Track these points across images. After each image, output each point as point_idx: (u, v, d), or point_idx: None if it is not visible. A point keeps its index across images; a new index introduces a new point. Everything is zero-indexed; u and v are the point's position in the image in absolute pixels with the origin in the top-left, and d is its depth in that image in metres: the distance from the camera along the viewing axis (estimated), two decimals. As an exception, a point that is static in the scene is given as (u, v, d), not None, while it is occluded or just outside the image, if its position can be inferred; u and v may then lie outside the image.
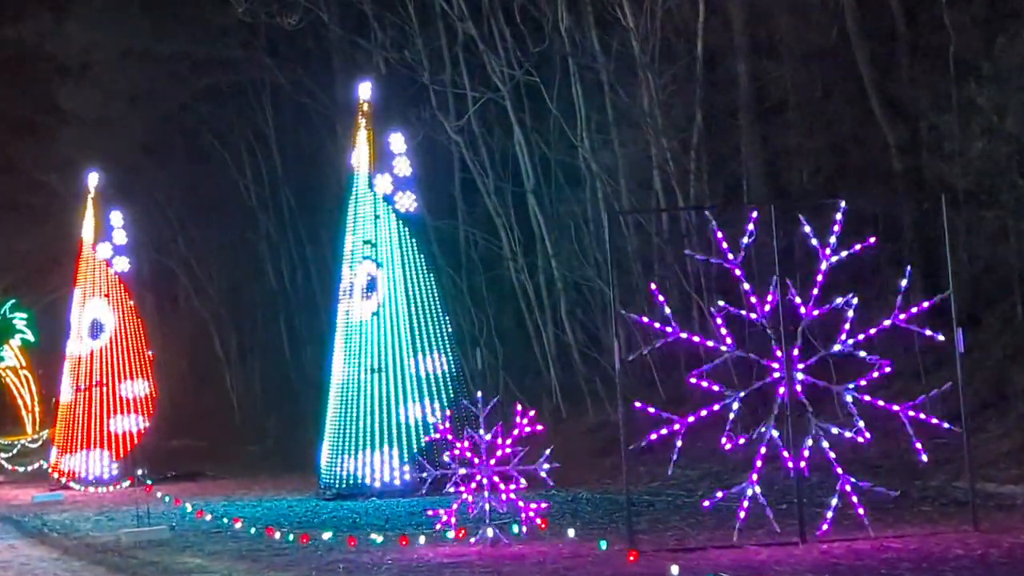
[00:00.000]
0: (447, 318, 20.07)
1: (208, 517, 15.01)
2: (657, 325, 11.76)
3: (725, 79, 23.18)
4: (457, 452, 12.53)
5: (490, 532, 12.20)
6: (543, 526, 12.69)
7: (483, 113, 27.68)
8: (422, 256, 19.95)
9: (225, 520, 14.59)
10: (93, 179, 26.77)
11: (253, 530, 14.41)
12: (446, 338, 19.83)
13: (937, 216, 12.60)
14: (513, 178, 27.76)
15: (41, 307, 55.47)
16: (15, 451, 35.83)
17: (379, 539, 13.10)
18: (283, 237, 40.01)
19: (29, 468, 27.00)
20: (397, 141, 20.10)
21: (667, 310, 11.71)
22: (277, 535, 13.49)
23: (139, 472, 18.48)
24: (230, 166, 39.87)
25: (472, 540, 12.44)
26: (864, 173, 21.01)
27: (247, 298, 41.78)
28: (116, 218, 26.22)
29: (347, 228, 20.36)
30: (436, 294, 19.93)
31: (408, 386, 19.35)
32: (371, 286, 19.69)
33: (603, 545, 11.65)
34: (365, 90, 20.41)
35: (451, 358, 19.77)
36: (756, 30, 22.54)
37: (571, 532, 12.97)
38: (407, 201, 19.85)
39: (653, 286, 11.84)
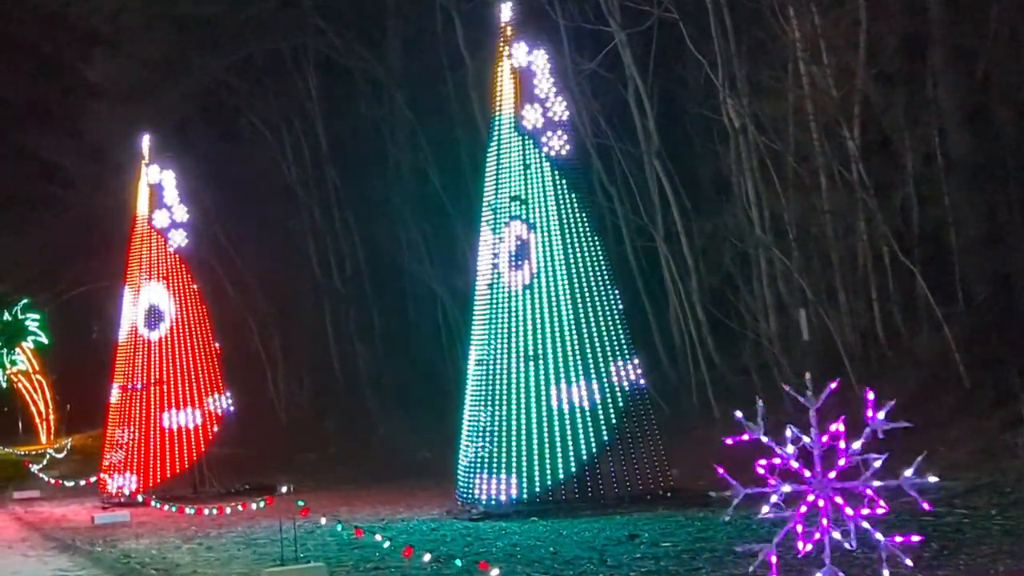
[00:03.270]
0: (617, 292, 16.16)
1: (427, 558, 10.78)
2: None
3: (911, 6, 19.34)
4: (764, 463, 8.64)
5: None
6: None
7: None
8: (584, 215, 16.04)
9: (459, 562, 10.44)
10: (146, 142, 22.82)
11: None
12: (617, 317, 15.94)
13: None
14: (628, 138, 23.86)
15: (56, 307, 51.61)
16: (45, 462, 32.04)
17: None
18: (329, 223, 36.27)
19: (82, 483, 22.97)
20: (539, 59, 16.17)
21: None
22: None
23: (283, 488, 14.57)
24: (269, 143, 36.19)
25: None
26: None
27: (289, 290, 37.89)
28: (168, 179, 22.32)
29: (487, 183, 16.42)
30: (603, 261, 16.03)
31: (574, 377, 15.48)
32: (522, 253, 15.79)
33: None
34: (506, 12, 16.48)
35: (624, 340, 15.90)
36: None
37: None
38: (557, 142, 16.00)
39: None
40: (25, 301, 54.01)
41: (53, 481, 25.84)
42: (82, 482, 22.81)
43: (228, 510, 15.42)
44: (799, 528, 8.58)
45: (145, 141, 22.84)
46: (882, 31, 19.43)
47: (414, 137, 31.63)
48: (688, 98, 22.87)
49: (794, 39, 20.10)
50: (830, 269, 19.85)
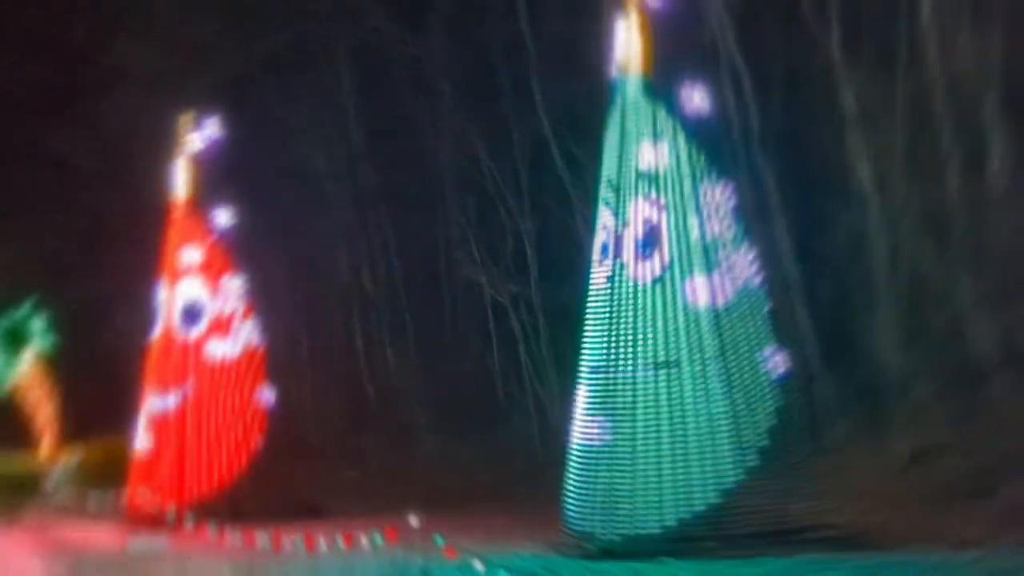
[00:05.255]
0: (764, 286, 13.66)
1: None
2: None
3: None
4: None
5: None
6: None
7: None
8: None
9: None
10: (185, 120, 20.38)
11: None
12: (765, 316, 13.43)
13: None
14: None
15: (63, 310, 49.26)
16: (56, 477, 29.67)
17: None
18: (361, 222, 33.91)
19: (107, 501, 20.43)
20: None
21: None
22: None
23: (412, 520, 12.05)
24: (298, 136, 33.85)
25: None
26: None
27: (315, 294, 35.60)
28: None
29: (607, 156, 13.93)
30: (747, 250, 13.53)
31: (717, 387, 12.96)
32: (651, 239, 13.28)
33: None
34: (629, -44, 13.97)
35: (773, 345, 13.38)
36: None
37: None
38: (696, 106, 13.55)
39: None
40: (30, 304, 51.72)
41: (71, 499, 23.33)
42: (107, 501, 20.30)
43: (323, 544, 12.74)
44: None
45: (185, 119, 20.37)
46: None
47: (464, 130, 29.38)
48: (798, 81, 20.45)
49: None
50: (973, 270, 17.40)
